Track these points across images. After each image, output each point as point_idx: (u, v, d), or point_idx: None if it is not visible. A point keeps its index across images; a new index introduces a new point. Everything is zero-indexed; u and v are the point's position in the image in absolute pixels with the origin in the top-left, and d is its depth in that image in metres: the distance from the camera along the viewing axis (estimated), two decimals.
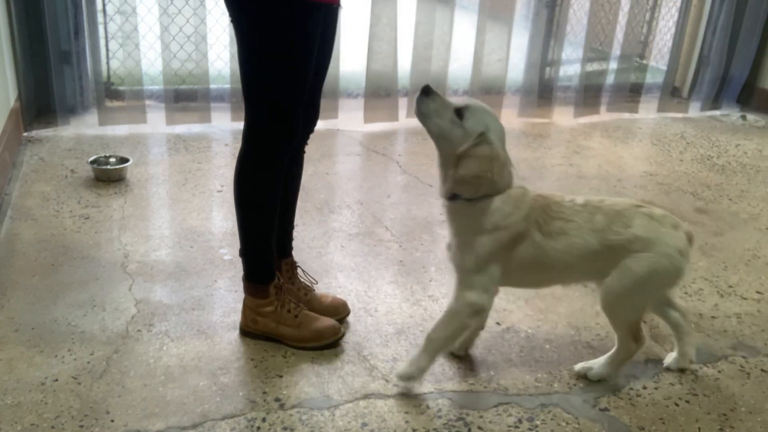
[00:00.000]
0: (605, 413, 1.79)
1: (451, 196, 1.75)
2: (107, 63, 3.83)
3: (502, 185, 1.73)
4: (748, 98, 5.03)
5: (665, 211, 1.79)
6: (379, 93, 4.10)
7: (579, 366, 1.94)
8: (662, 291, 1.87)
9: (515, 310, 2.24)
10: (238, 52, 1.74)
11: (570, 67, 4.64)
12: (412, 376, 1.82)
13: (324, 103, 1.86)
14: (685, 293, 2.42)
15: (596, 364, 1.92)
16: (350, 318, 2.13)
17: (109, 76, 3.87)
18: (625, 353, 1.88)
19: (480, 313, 1.83)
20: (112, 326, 2.02)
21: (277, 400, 1.76)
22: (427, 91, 1.73)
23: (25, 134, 3.52)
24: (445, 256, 1.88)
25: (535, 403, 1.81)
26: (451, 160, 1.72)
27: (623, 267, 1.73)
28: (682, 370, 1.97)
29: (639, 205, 1.78)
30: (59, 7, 3.47)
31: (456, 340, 1.91)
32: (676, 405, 1.84)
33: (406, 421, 1.72)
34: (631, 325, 1.83)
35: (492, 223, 1.72)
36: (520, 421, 1.75)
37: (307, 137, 1.99)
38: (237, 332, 2.02)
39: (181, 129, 3.81)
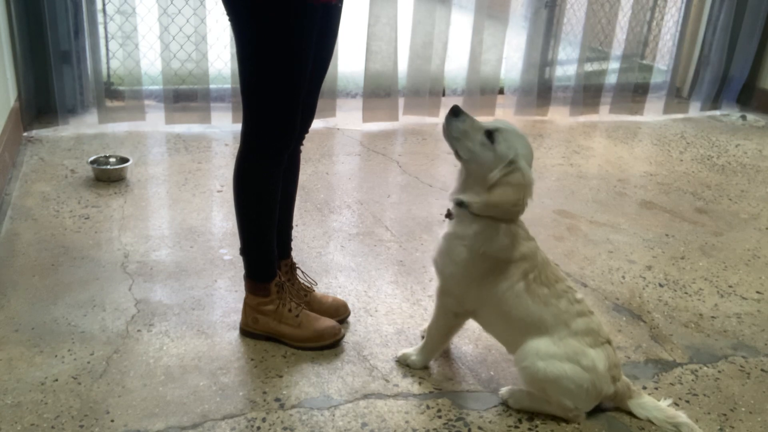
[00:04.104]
0: (605, 413, 1.79)
1: (458, 203, 1.74)
2: (107, 63, 3.83)
3: (512, 216, 1.72)
4: (748, 98, 5.03)
5: (620, 363, 1.78)
6: (378, 93, 4.10)
7: (504, 390, 1.83)
8: (573, 402, 1.73)
9: None
10: (237, 51, 1.74)
11: (569, 66, 4.64)
12: (406, 359, 1.93)
13: (322, 103, 1.86)
14: (685, 293, 2.43)
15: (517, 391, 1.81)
16: (350, 318, 2.13)
17: (109, 76, 3.87)
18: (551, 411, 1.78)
19: (460, 315, 1.84)
20: (112, 326, 2.02)
21: (277, 400, 1.77)
22: (456, 112, 1.70)
23: (25, 134, 3.52)
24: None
25: None
26: (474, 176, 1.70)
27: (558, 363, 1.69)
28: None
29: (610, 342, 1.75)
30: (59, 7, 3.47)
31: (450, 338, 1.95)
32: (676, 405, 1.84)
33: (406, 421, 1.72)
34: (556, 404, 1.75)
35: (483, 249, 1.71)
36: (520, 421, 1.75)
37: (304, 136, 1.99)
38: (237, 332, 2.02)
39: (180, 129, 3.81)
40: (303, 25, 1.69)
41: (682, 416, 1.73)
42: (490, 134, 1.67)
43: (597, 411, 1.79)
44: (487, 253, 1.71)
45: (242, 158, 1.84)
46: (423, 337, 1.97)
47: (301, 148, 2.02)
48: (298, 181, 2.09)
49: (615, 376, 1.73)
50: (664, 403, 1.78)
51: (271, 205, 1.89)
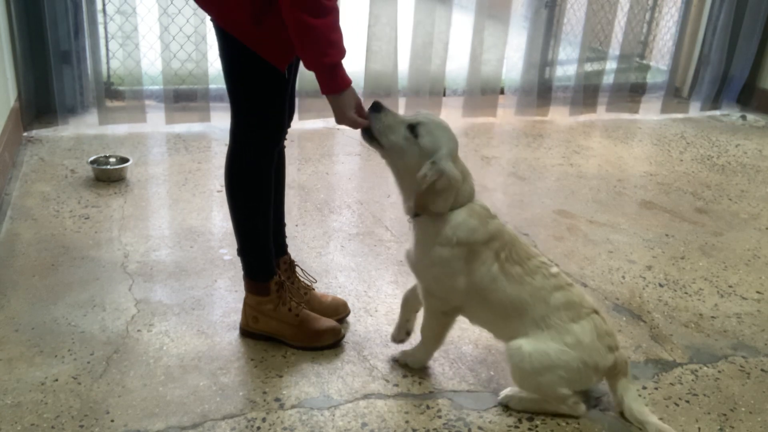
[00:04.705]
0: (605, 413, 1.79)
1: (414, 214, 1.77)
2: (107, 63, 3.83)
3: (465, 198, 1.74)
4: (748, 98, 5.03)
5: (614, 332, 1.76)
6: (378, 93, 4.09)
7: (502, 394, 1.82)
8: (570, 387, 1.73)
9: None
10: (221, 62, 1.79)
11: (569, 66, 4.64)
12: (405, 359, 1.93)
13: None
14: (685, 293, 2.43)
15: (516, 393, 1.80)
16: (350, 318, 2.13)
17: (109, 76, 3.87)
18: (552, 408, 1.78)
19: (449, 313, 1.85)
20: (112, 326, 2.02)
21: (277, 400, 1.77)
22: (377, 108, 1.73)
23: (25, 134, 3.52)
24: (405, 262, 1.90)
25: None
26: (402, 173, 1.74)
27: (542, 345, 1.69)
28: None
29: (597, 311, 1.74)
30: (59, 7, 3.47)
31: (445, 336, 1.93)
32: (676, 405, 1.84)
33: (406, 421, 1.72)
34: (548, 395, 1.74)
35: (457, 237, 1.72)
36: (520, 420, 1.75)
37: (287, 131, 2.00)
38: (237, 332, 2.02)
39: (180, 129, 3.81)
40: (271, 78, 1.75)
41: (652, 418, 1.70)
42: (413, 128, 1.70)
43: (597, 411, 1.79)
44: (461, 240, 1.72)
45: (232, 157, 1.86)
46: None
47: (285, 143, 2.02)
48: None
49: (611, 345, 1.72)
50: (648, 409, 1.75)
51: (264, 202, 1.89)
